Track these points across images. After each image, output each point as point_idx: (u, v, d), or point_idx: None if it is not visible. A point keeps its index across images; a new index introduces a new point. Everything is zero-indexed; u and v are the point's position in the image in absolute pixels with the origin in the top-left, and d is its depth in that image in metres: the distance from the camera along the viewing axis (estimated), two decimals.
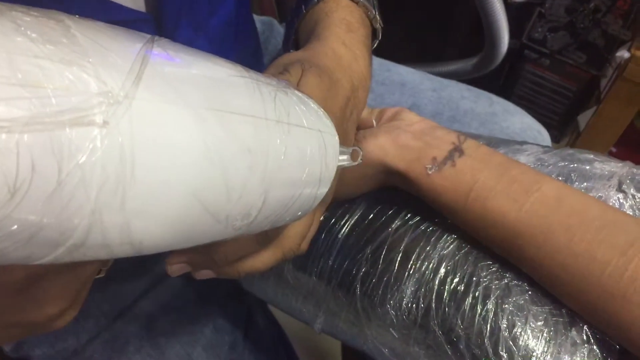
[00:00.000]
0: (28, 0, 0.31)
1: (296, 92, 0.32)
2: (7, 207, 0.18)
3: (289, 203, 0.30)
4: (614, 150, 1.49)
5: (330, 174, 0.33)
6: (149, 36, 0.24)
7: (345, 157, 0.36)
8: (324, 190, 0.33)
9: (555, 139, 1.61)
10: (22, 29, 0.19)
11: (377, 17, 0.54)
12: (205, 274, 0.41)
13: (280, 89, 0.30)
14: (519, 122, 0.79)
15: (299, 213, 0.33)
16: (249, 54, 0.69)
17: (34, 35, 0.19)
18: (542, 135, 0.80)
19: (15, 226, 0.19)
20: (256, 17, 0.82)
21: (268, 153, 0.27)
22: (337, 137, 0.34)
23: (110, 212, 0.21)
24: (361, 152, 0.36)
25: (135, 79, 0.21)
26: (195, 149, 0.23)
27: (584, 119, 1.50)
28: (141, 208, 0.22)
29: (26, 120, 0.18)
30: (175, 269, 0.39)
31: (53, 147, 0.18)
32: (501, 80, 1.60)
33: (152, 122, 0.21)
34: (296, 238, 0.41)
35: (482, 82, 1.02)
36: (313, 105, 0.33)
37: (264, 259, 0.40)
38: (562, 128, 1.60)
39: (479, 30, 1.13)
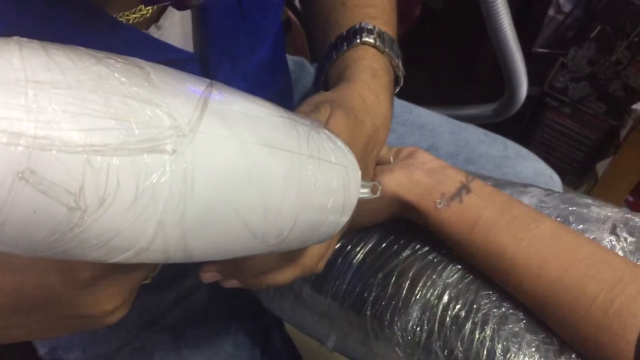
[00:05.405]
0: (96, 41, 0.37)
1: (326, 131, 0.36)
2: (97, 213, 0.22)
3: (316, 227, 0.35)
4: (630, 199, 1.51)
5: (352, 204, 0.37)
6: (208, 81, 0.29)
7: (366, 190, 0.39)
8: (345, 218, 0.37)
9: (574, 185, 1.63)
10: (116, 74, 0.24)
11: (400, 65, 0.59)
12: (232, 283, 0.45)
13: (313, 128, 0.34)
14: (531, 167, 0.82)
15: (324, 237, 0.37)
16: (279, 92, 0.74)
17: (123, 79, 0.24)
18: (554, 180, 0.82)
19: (101, 229, 0.23)
20: (289, 57, 0.87)
21: (300, 182, 0.31)
22: (359, 173, 0.38)
23: (172, 224, 0.25)
24: (380, 187, 0.40)
25: (198, 116, 0.26)
26: (241, 175, 0.28)
27: (602, 167, 1.52)
28: (196, 222, 0.27)
29: (116, 147, 0.22)
30: (208, 276, 0.44)
31: (134, 168, 0.23)
32: (522, 126, 1.63)
33: (209, 152, 0.26)
34: (315, 257, 0.45)
35: (503, 127, 1.05)
36: (340, 143, 0.37)
37: (285, 274, 0.45)
38: (581, 175, 1.62)
39: (500, 76, 1.18)
